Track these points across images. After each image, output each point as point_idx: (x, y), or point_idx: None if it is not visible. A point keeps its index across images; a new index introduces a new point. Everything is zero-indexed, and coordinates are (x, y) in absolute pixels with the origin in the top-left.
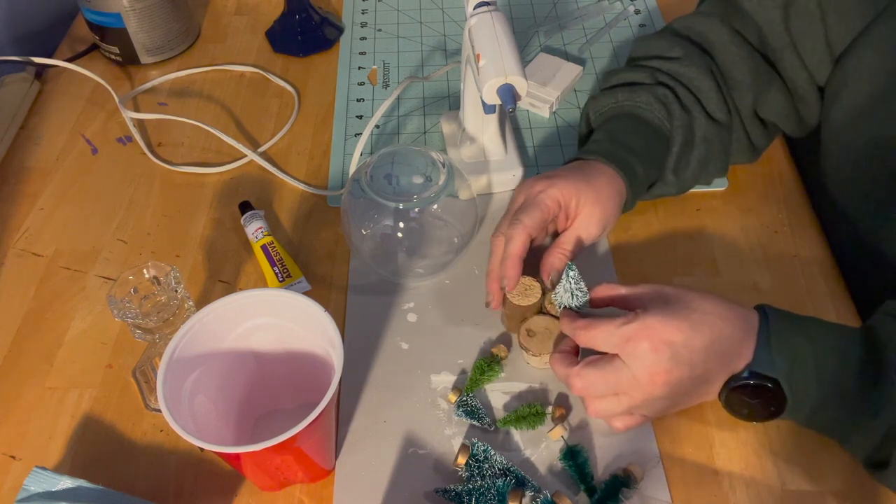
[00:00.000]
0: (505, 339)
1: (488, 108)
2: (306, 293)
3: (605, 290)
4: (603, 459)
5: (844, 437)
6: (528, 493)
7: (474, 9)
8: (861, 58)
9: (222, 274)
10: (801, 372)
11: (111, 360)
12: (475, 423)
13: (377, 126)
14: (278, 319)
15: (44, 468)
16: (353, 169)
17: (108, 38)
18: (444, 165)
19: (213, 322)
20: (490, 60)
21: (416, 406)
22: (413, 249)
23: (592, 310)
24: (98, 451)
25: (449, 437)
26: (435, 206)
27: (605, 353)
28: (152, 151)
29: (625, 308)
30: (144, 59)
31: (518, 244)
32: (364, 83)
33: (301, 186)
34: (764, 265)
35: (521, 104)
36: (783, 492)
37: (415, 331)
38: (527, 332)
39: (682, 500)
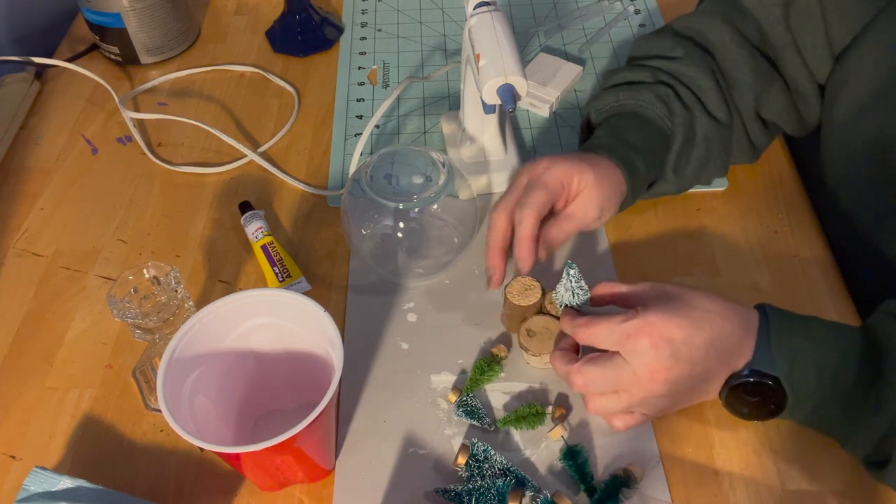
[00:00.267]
0: (505, 339)
1: (488, 108)
2: (306, 293)
3: (606, 288)
4: (603, 459)
5: (844, 437)
6: (528, 493)
7: (474, 9)
8: (862, 56)
9: (222, 274)
10: (801, 370)
11: (111, 360)
12: (475, 423)
13: (377, 126)
14: (278, 319)
15: (44, 468)
16: (353, 169)
17: (108, 38)
18: (444, 165)
19: (213, 322)
20: (490, 60)
21: (416, 406)
22: (413, 249)
23: (592, 308)
24: (98, 451)
25: (449, 437)
26: (435, 206)
27: (606, 351)
28: (152, 151)
29: (625, 306)
30: (144, 59)
31: (528, 226)
32: (364, 83)
33: (301, 186)
34: (764, 265)
35: (521, 104)
36: (783, 492)
37: (415, 331)
38: (527, 332)
39: (682, 500)
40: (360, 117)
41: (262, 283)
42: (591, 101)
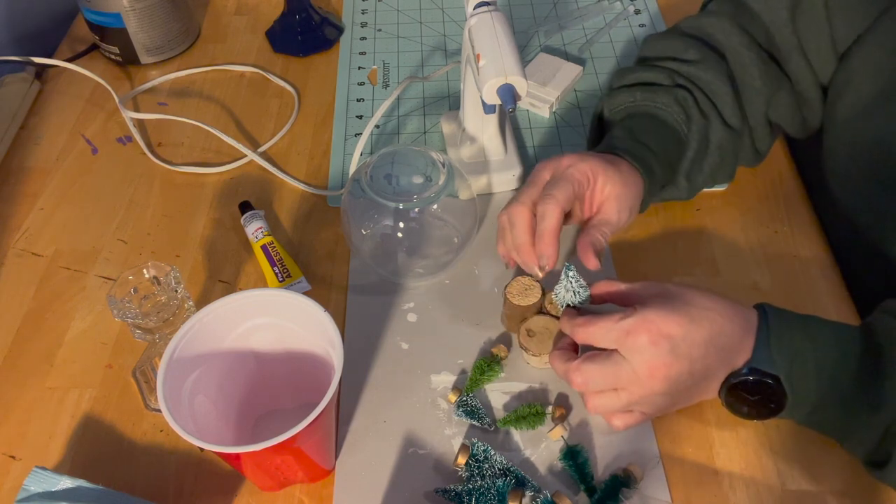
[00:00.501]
0: (505, 339)
1: (488, 108)
2: (306, 293)
3: (605, 287)
4: (603, 459)
5: (844, 436)
6: (528, 493)
7: (474, 9)
8: (865, 57)
9: (222, 274)
10: (801, 369)
11: (111, 360)
12: (475, 423)
13: (377, 126)
14: (278, 319)
15: (44, 468)
16: (353, 169)
17: (108, 38)
18: (444, 165)
19: (213, 322)
20: (490, 60)
21: (416, 406)
22: (413, 249)
23: (591, 306)
24: (98, 451)
25: (449, 437)
26: (435, 206)
27: (605, 350)
28: (152, 151)
29: (624, 304)
30: (144, 59)
31: (553, 220)
32: (364, 83)
33: (301, 186)
34: (764, 265)
35: (521, 104)
36: (783, 492)
37: (415, 331)
38: (526, 332)
39: (682, 500)
40: (360, 117)
41: (262, 283)
42: (604, 98)
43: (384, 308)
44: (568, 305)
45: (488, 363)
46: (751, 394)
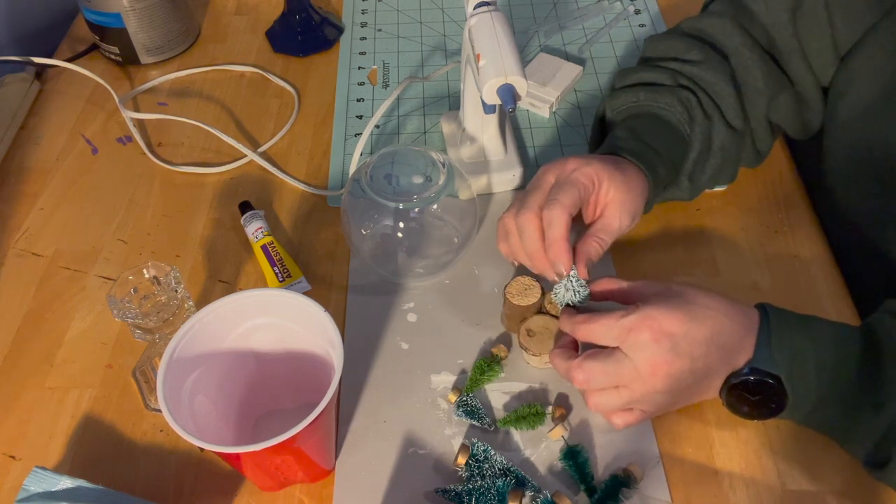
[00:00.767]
0: (505, 339)
1: (488, 108)
2: (306, 293)
3: (606, 284)
4: (603, 459)
5: (844, 437)
6: (528, 493)
7: (474, 9)
8: (866, 58)
9: (222, 274)
10: (801, 369)
11: (111, 360)
12: (475, 423)
13: (377, 126)
14: (278, 319)
15: (44, 468)
16: (353, 169)
17: (108, 38)
18: (444, 165)
19: (213, 322)
20: (490, 60)
21: (416, 406)
22: (413, 249)
23: (592, 303)
24: (98, 451)
25: (449, 437)
26: (435, 206)
27: (606, 347)
28: (152, 151)
29: (625, 302)
30: (144, 59)
31: (561, 227)
32: (364, 83)
33: (301, 186)
34: (764, 265)
35: (521, 104)
36: (783, 492)
37: (415, 331)
38: (526, 331)
39: (682, 500)
40: (360, 117)
41: (262, 283)
42: (607, 98)
43: (384, 308)
44: (567, 305)
45: (488, 363)
46: (752, 394)
